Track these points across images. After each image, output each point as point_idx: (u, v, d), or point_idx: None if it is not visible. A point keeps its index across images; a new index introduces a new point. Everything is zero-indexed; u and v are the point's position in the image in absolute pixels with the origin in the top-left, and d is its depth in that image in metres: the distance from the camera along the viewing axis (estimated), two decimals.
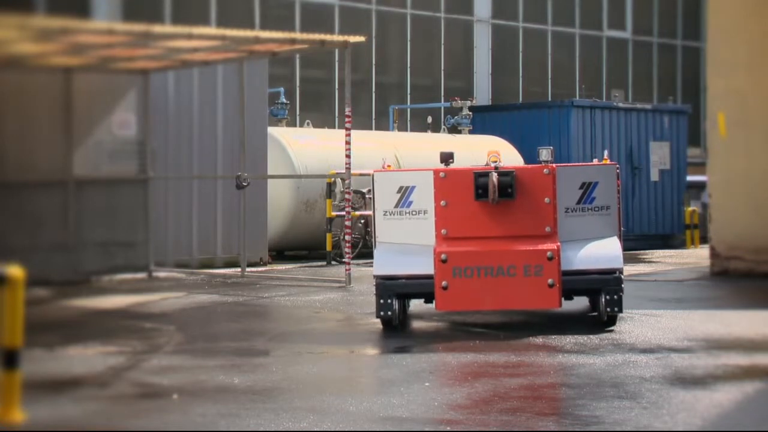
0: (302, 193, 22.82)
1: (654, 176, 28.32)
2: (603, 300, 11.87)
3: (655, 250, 26.20)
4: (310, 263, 22.09)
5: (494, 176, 11.85)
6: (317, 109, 30.80)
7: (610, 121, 27.92)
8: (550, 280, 11.68)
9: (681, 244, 28.09)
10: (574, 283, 11.87)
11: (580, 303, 13.35)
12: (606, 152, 13.26)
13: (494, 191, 11.81)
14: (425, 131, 28.48)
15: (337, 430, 7.49)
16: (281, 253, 23.55)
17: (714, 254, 19.24)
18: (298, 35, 18.73)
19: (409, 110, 32.64)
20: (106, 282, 18.19)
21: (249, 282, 17.96)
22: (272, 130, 22.56)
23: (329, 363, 10.40)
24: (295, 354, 10.78)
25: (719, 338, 11.49)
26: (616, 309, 11.86)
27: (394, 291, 11.89)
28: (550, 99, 34.83)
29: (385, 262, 12.05)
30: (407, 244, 12.08)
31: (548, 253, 11.69)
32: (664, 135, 28.94)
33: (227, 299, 15.60)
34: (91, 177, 18.86)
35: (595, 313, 12.48)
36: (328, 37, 18.27)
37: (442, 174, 12.12)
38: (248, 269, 19.15)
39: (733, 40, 19.27)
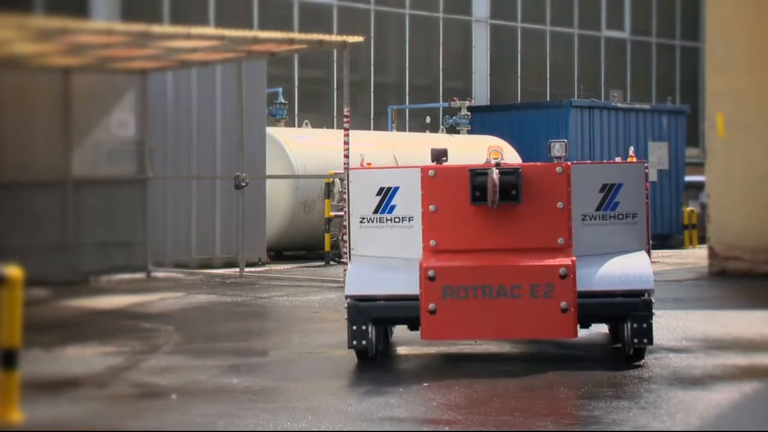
0: (301, 194, 22.82)
1: (652, 176, 28.31)
2: (628, 329, 9.65)
3: (653, 250, 26.12)
4: (309, 263, 22.09)
5: (494, 174, 9.76)
6: (316, 109, 30.79)
7: (609, 121, 27.94)
8: (563, 304, 9.48)
9: (679, 245, 28.09)
10: (593, 307, 9.71)
11: (594, 330, 11.34)
12: (632, 149, 10.89)
13: (494, 193, 9.74)
14: (424, 131, 28.48)
15: (336, 430, 7.49)
16: (280, 253, 23.55)
17: (712, 254, 19.24)
18: (296, 35, 18.75)
19: (407, 110, 32.64)
20: (104, 282, 18.18)
21: (247, 282, 17.95)
22: (271, 130, 22.57)
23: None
24: (293, 354, 10.79)
25: (718, 338, 11.49)
26: (645, 341, 9.66)
27: (370, 315, 9.79)
28: (548, 99, 34.84)
29: (360, 280, 9.96)
30: (389, 257, 10.02)
31: (561, 270, 9.54)
32: (663, 135, 28.96)
33: (226, 299, 15.60)
34: (90, 177, 18.86)
35: (618, 345, 10.30)
36: (326, 37, 18.27)
37: (431, 172, 10.06)
38: (247, 269, 19.15)
39: (732, 41, 19.28)
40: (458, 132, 28.10)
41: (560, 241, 9.88)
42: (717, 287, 17.49)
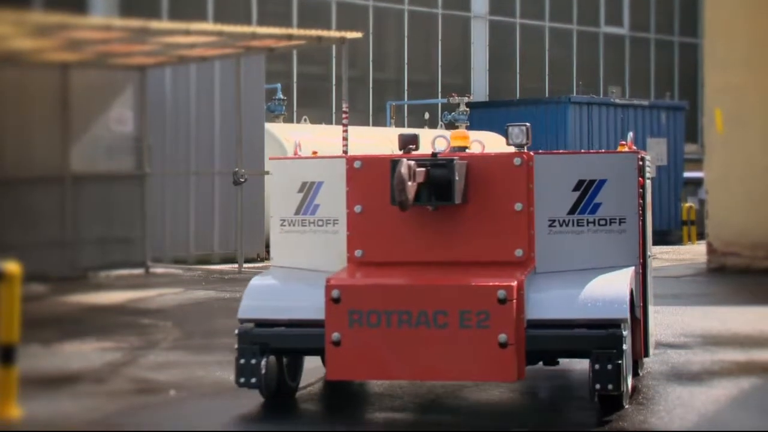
0: None
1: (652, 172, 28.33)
2: (590, 370, 7.34)
3: (651, 246, 26.15)
4: None
5: (404, 166, 7.31)
6: (314, 105, 30.78)
7: (607, 117, 27.96)
8: (501, 336, 7.24)
9: (678, 240, 28.10)
10: (544, 341, 7.43)
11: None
12: (631, 134, 8.75)
13: (401, 191, 7.29)
14: (422, 127, 28.47)
15: (335, 429, 7.48)
16: None
17: (711, 250, 19.25)
18: (295, 31, 18.75)
19: (406, 106, 32.64)
20: (103, 278, 18.18)
21: (246, 278, 17.83)
22: (269, 126, 22.55)
23: None
24: None
25: (716, 334, 11.49)
26: (610, 386, 7.28)
27: (266, 345, 7.68)
28: (547, 95, 34.82)
29: (258, 299, 7.87)
30: (312, 270, 8.07)
31: (499, 293, 7.27)
32: (661, 131, 28.98)
33: (224, 295, 15.59)
34: (89, 173, 18.84)
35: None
36: (325, 33, 18.27)
37: (356, 163, 8.07)
38: (245, 265, 19.14)
39: (731, 36, 19.28)
40: (457, 128, 28.08)
41: (518, 253, 7.82)
42: (715, 283, 17.49)
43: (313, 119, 26.99)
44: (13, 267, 7.24)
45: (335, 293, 7.43)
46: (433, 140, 8.15)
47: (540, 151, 8.24)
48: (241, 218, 18.92)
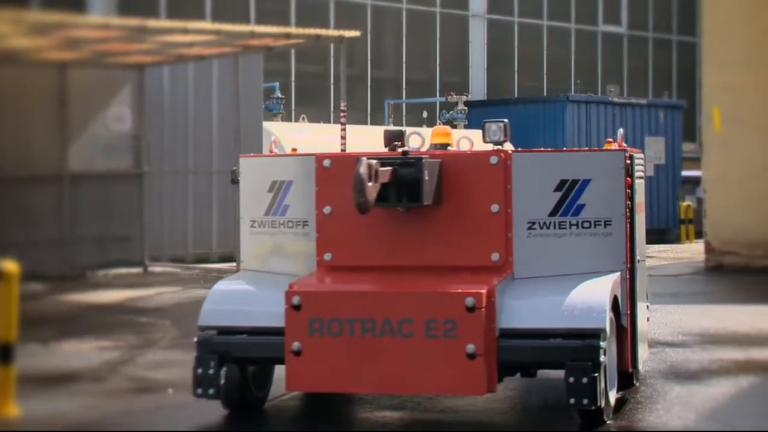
0: None
1: (649, 171, 28.33)
2: (565, 383, 6.90)
3: (650, 245, 26.17)
4: None
5: (364, 165, 6.90)
6: (312, 103, 30.77)
7: (606, 116, 27.97)
8: (469, 347, 6.87)
9: (676, 239, 28.12)
10: (516, 352, 7.03)
11: None
12: (621, 131, 8.24)
13: (360, 192, 6.88)
14: (421, 126, 28.47)
15: (336, 429, 7.48)
16: None
17: (709, 249, 19.26)
18: (293, 30, 18.73)
19: (404, 105, 32.63)
20: (101, 277, 18.17)
21: None
22: (267, 125, 22.55)
23: None
24: None
25: (714, 333, 11.49)
26: (585, 401, 6.86)
27: (228, 354, 7.37)
28: (545, 94, 34.82)
29: (220, 304, 7.53)
30: (281, 274, 7.67)
31: (467, 300, 6.89)
32: (659, 130, 28.99)
33: None
34: (87, 172, 18.84)
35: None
36: (323, 31, 18.26)
37: (326, 161, 7.66)
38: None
39: (730, 35, 19.28)
40: (455, 127, 28.08)
41: (495, 257, 7.39)
42: (713, 282, 17.50)
43: (312, 118, 26.98)
44: (11, 266, 7.24)
45: (296, 300, 7.08)
46: (407, 137, 7.74)
47: (519, 149, 7.83)
48: (239, 217, 18.89)
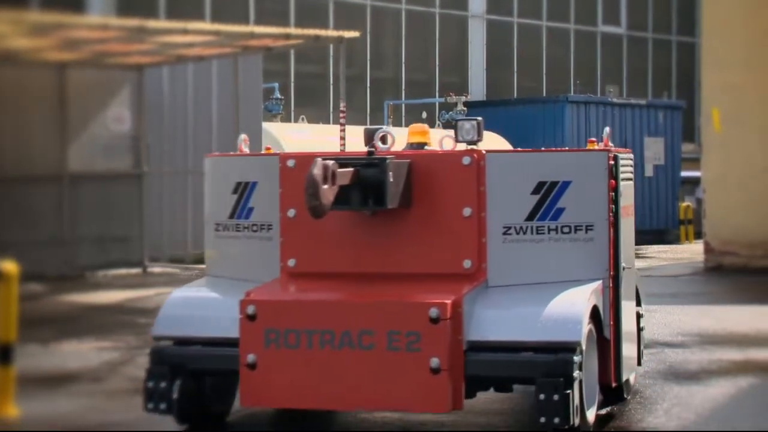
0: None
1: (648, 172, 28.36)
2: (536, 400, 6.46)
3: (649, 246, 26.22)
4: None
5: (320, 167, 6.47)
6: (312, 104, 30.77)
7: (605, 116, 27.96)
8: (433, 361, 6.43)
9: (675, 240, 28.12)
10: (483, 366, 6.58)
11: None
12: (607, 129, 7.64)
13: (313, 195, 6.43)
14: None
15: (337, 429, 7.48)
16: None
17: (708, 249, 19.26)
18: (292, 30, 18.75)
19: (403, 106, 32.63)
20: (100, 277, 18.18)
21: None
22: (267, 126, 22.55)
23: None
24: None
25: (713, 333, 11.50)
26: (556, 420, 6.38)
27: (181, 366, 6.94)
28: (544, 94, 34.82)
29: (176, 312, 7.10)
30: (245, 280, 7.19)
31: (431, 311, 6.45)
32: (659, 130, 28.99)
33: None
34: (86, 172, 18.84)
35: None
36: (322, 32, 18.28)
37: (290, 162, 7.21)
38: None
39: (729, 36, 19.29)
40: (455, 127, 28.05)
41: (466, 264, 6.92)
42: (713, 282, 17.51)
43: (311, 118, 26.98)
44: (10, 266, 7.24)
45: (250, 309, 6.65)
46: (378, 135, 7.26)
47: (493, 149, 7.34)
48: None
